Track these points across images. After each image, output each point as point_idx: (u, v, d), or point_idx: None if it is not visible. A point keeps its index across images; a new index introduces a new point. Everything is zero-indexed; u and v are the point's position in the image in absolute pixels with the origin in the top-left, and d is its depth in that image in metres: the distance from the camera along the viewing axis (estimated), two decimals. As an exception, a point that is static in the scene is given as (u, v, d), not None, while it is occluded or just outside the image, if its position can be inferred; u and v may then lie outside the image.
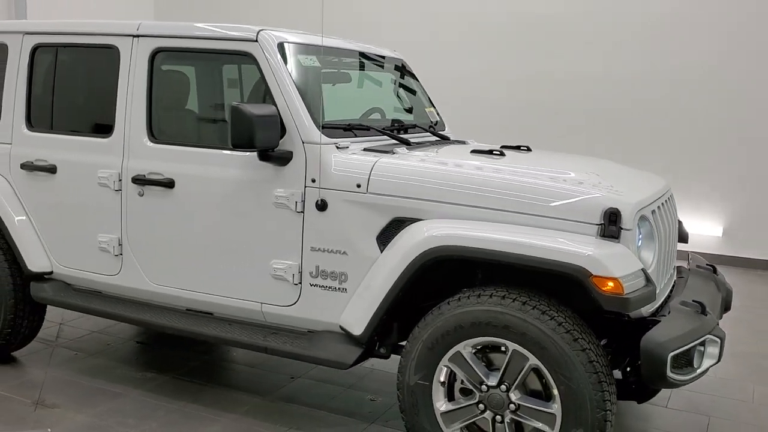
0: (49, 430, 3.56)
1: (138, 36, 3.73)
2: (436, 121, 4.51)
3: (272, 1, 9.74)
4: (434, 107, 4.63)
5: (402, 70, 4.56)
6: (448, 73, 8.40)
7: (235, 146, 3.28)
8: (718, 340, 2.98)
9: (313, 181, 3.34)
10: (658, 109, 7.75)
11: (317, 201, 3.33)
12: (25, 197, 4.08)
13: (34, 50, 4.04)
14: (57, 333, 4.89)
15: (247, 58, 3.48)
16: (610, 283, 2.73)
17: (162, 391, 4.04)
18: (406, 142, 3.71)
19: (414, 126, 4.18)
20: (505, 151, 3.69)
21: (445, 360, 3.02)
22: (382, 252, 3.23)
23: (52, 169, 3.96)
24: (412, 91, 4.53)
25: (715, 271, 3.80)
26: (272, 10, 9.70)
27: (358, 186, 3.27)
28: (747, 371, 4.57)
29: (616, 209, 2.90)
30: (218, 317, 3.69)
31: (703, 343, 2.94)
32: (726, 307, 3.64)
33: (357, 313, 3.24)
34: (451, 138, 4.34)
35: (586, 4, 7.98)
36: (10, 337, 4.23)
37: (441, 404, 3.07)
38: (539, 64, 8.21)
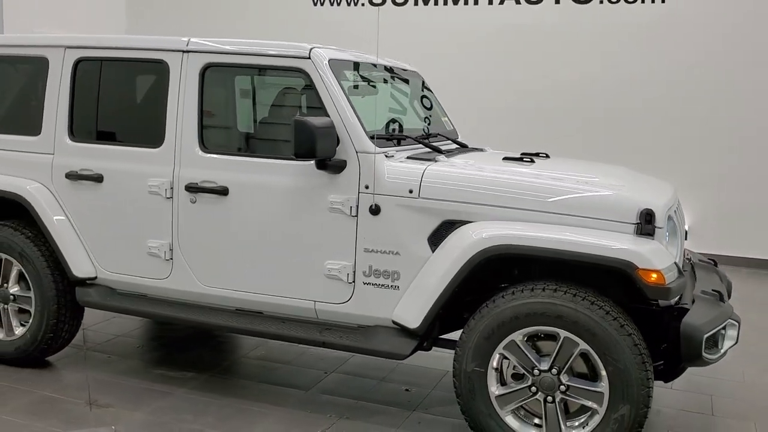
0: (113, 427, 3.73)
1: (188, 51, 3.94)
2: (452, 130, 4.84)
3: (244, 10, 9.89)
4: (447, 116, 4.96)
5: (419, 81, 4.87)
6: (448, 82, 8.72)
7: (298, 156, 3.52)
8: (736, 324, 3.40)
9: (367, 187, 3.62)
10: (638, 113, 8.22)
11: (371, 206, 3.61)
12: (69, 205, 4.22)
13: (77, 63, 4.19)
14: (83, 338, 5.01)
15: (299, 73, 3.74)
16: (654, 275, 3.10)
17: (206, 388, 4.24)
18: (438, 150, 4.02)
19: (437, 135, 4.49)
20: (532, 158, 4.04)
21: (500, 348, 3.34)
22: (433, 252, 3.53)
23: (98, 178, 4.12)
24: (428, 102, 4.84)
25: (715, 264, 4.23)
26: (243, 19, 9.84)
27: (410, 191, 3.56)
28: (735, 355, 5.02)
29: (651, 209, 3.28)
30: (268, 316, 3.92)
31: (725, 327, 3.34)
32: (728, 296, 4.07)
33: (413, 308, 3.53)
34: (469, 146, 4.67)
35: (579, 14, 8.39)
36: (51, 341, 4.35)
37: (495, 388, 3.39)
38: (533, 72, 8.55)
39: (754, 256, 7.87)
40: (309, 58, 3.71)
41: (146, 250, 4.05)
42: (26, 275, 4.30)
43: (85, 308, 4.42)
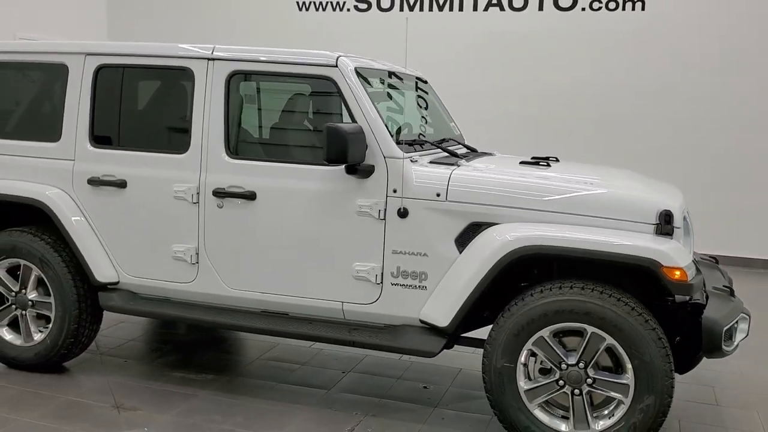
0: (145, 429, 3.78)
1: (213, 59, 4.01)
2: (458, 135, 4.98)
3: (229, 14, 9.93)
4: (454, 122, 5.10)
5: (428, 88, 5.00)
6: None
7: (329, 161, 3.63)
8: (747, 318, 3.60)
9: (395, 191, 3.74)
10: (625, 117, 8.49)
11: (399, 209, 3.73)
12: (91, 211, 4.25)
13: (98, 70, 4.23)
14: (95, 343, 5.02)
15: (326, 81, 3.85)
16: (678, 273, 3.28)
17: (229, 390, 4.31)
18: (455, 155, 4.17)
19: (449, 139, 4.63)
20: (548, 162, 4.20)
21: (528, 344, 3.50)
22: (460, 253, 3.67)
23: (121, 184, 4.16)
24: (437, 107, 4.98)
25: (716, 262, 4.45)
26: (227, 22, 9.88)
27: (438, 195, 3.69)
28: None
29: (670, 210, 3.47)
30: (294, 317, 4.01)
31: (737, 321, 3.54)
32: (732, 292, 4.29)
33: (442, 307, 3.66)
34: (478, 150, 4.82)
35: (562, 21, 8.62)
36: (72, 346, 4.38)
37: (523, 383, 3.54)
38: (519, 77, 8.76)
39: (735, 255, 8.20)
40: (336, 66, 3.82)
41: (171, 254, 4.11)
42: (46, 281, 4.32)
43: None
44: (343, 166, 3.73)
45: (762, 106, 8.09)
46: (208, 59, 4.02)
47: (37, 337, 4.41)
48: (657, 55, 8.36)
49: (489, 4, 8.89)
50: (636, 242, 3.36)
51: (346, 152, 3.58)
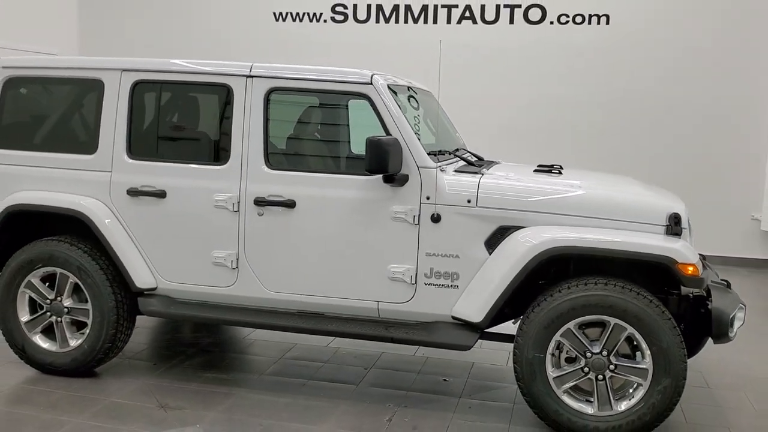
0: (197, 425, 4.01)
1: (251, 77, 4.26)
2: (462, 144, 5.34)
3: (206, 24, 10.09)
4: (458, 132, 5.46)
5: (434, 100, 5.35)
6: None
7: (370, 171, 3.93)
8: (744, 308, 4.06)
9: (428, 198, 4.07)
10: (597, 126, 9.02)
11: (433, 215, 4.06)
12: (129, 220, 4.44)
13: (134, 86, 4.43)
14: (119, 347, 5.19)
15: (361, 97, 4.15)
16: (690, 268, 3.71)
17: (263, 388, 4.56)
18: (472, 163, 4.53)
19: (460, 149, 4.98)
20: (560, 170, 4.59)
21: (557, 336, 3.87)
22: (490, 254, 4.02)
23: (161, 194, 4.37)
24: (443, 119, 5.33)
25: (704, 258, 4.92)
26: (204, 32, 10.04)
27: (468, 201, 4.04)
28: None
29: (678, 213, 3.90)
30: (330, 316, 4.29)
31: (737, 310, 3.99)
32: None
33: (475, 304, 4.00)
34: (485, 159, 5.18)
35: (532, 34, 9.09)
36: (109, 351, 4.55)
37: (552, 371, 3.91)
38: (491, 89, 9.19)
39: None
40: (371, 83, 4.13)
41: (211, 260, 4.33)
42: (84, 288, 4.47)
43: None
44: (381, 175, 4.03)
45: (721, 111, 8.73)
46: (247, 77, 4.27)
47: (74, 342, 4.56)
48: (621, 65, 8.92)
49: (462, 17, 9.30)
50: (653, 242, 3.77)
51: (386, 163, 3.89)
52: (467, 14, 9.30)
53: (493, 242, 4.03)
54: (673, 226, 3.88)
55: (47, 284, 4.60)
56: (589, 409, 3.88)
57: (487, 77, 9.24)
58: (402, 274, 4.12)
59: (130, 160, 4.44)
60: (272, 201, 4.23)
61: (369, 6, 9.54)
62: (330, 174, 4.23)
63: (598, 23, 8.93)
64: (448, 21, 9.35)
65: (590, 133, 9.04)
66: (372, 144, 3.87)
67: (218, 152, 4.34)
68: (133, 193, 4.41)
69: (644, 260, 3.78)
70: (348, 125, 4.45)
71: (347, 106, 4.37)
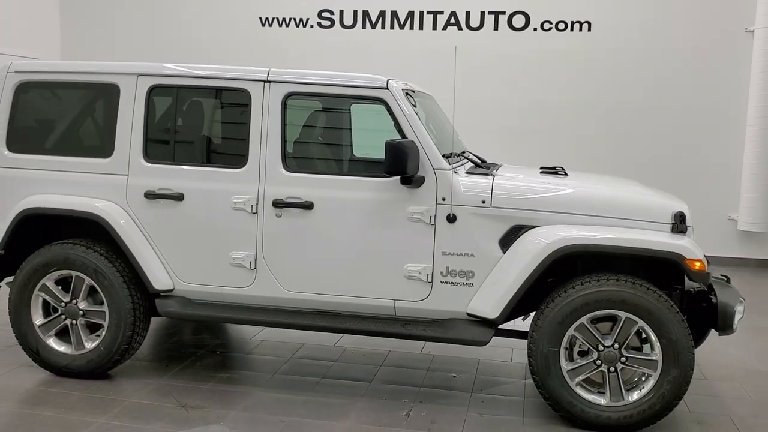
0: (222, 423, 4.08)
1: (269, 81, 4.36)
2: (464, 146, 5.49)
3: (191, 28, 10.11)
4: (459, 136, 5.61)
5: (435, 104, 5.49)
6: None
7: (389, 173, 4.06)
8: (744, 301, 4.27)
9: (444, 199, 4.21)
10: (577, 129, 9.27)
11: (449, 215, 4.20)
12: (146, 223, 4.49)
13: (151, 90, 4.49)
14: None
15: (378, 102, 4.27)
16: (698, 264, 3.91)
17: (279, 386, 4.64)
18: (479, 165, 4.68)
19: (465, 151, 5.13)
20: (566, 171, 4.76)
21: (571, 330, 4.03)
22: (504, 253, 4.17)
23: (178, 197, 4.43)
24: (446, 122, 5.48)
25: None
26: (189, 37, 10.07)
27: (483, 202, 4.19)
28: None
29: (683, 212, 4.10)
30: (346, 315, 4.40)
31: (737, 304, 4.20)
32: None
33: (490, 301, 4.15)
34: (487, 161, 5.34)
35: (516, 40, 9.31)
36: (125, 353, 4.60)
37: (565, 364, 4.07)
38: (476, 93, 9.34)
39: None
40: (387, 88, 4.26)
41: (229, 261, 4.41)
42: (100, 291, 4.51)
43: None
44: (398, 177, 4.16)
45: (699, 116, 9.04)
46: (264, 81, 4.37)
47: (90, 345, 4.60)
48: (601, 71, 9.19)
49: (448, 24, 9.48)
50: (662, 239, 3.96)
51: (405, 165, 4.02)
52: (452, 20, 9.48)
53: (506, 241, 4.18)
54: (679, 224, 4.07)
55: (60, 287, 4.63)
56: (602, 400, 4.05)
57: (471, 81, 9.41)
58: (418, 272, 4.24)
59: (147, 164, 4.49)
60: (290, 203, 4.32)
61: (356, 12, 9.67)
62: (347, 176, 4.34)
63: (580, 30, 9.18)
64: (434, 27, 9.52)
65: (570, 136, 9.28)
66: (391, 147, 4.00)
67: (236, 155, 4.42)
68: (151, 195, 4.47)
69: (654, 257, 3.96)
70: (351, 128, 4.57)
71: (350, 110, 4.48)
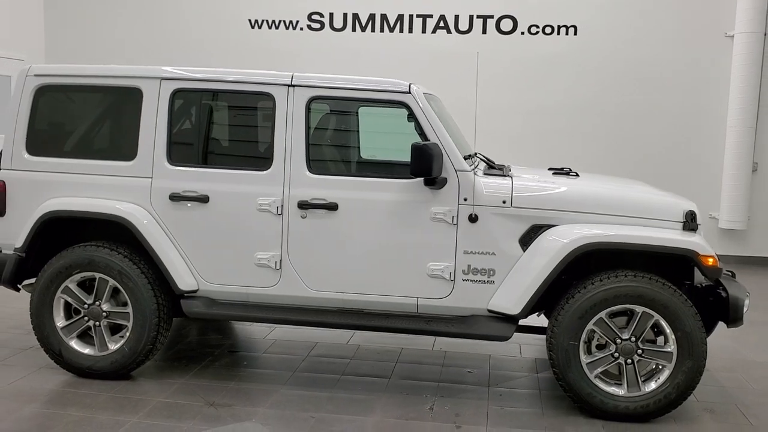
0: (253, 420, 4.17)
1: (293, 86, 4.46)
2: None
3: (181, 30, 10.13)
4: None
5: (443, 106, 5.64)
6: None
7: (415, 175, 4.19)
8: (749, 294, 4.50)
9: (465, 199, 4.35)
10: (563, 131, 9.49)
11: (470, 215, 4.35)
12: (171, 224, 4.55)
13: (174, 94, 4.56)
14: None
15: (400, 105, 4.40)
16: (711, 260, 4.12)
17: (302, 384, 4.74)
18: (492, 166, 4.84)
19: (476, 153, 5.28)
20: (577, 173, 4.93)
21: (590, 325, 4.21)
22: (524, 251, 4.33)
23: (204, 199, 4.51)
24: (454, 125, 5.62)
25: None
26: (179, 39, 10.09)
27: (504, 202, 4.35)
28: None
29: (694, 210, 4.30)
30: (369, 312, 4.52)
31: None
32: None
33: (512, 297, 4.30)
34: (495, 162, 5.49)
35: (503, 43, 9.50)
36: (149, 353, 4.65)
37: (584, 357, 4.25)
38: (471, 95, 9.50)
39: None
40: (409, 92, 4.39)
41: (254, 261, 4.50)
42: (125, 292, 4.56)
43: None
44: (422, 178, 4.29)
45: (682, 118, 9.34)
46: (288, 86, 4.47)
47: (113, 346, 4.64)
48: (587, 74, 9.44)
49: (437, 27, 9.64)
50: (676, 236, 4.17)
51: (431, 167, 4.16)
52: (441, 24, 9.64)
53: (526, 240, 4.34)
54: (690, 222, 4.28)
55: (81, 289, 4.67)
56: (619, 391, 4.23)
57: (459, 84, 9.57)
58: (441, 271, 4.38)
59: (171, 167, 4.56)
60: (315, 204, 4.43)
61: (345, 15, 9.78)
62: (371, 178, 4.46)
63: (567, 34, 9.42)
64: (423, 30, 9.68)
65: (556, 137, 9.52)
66: (418, 149, 4.13)
67: (261, 158, 4.52)
68: (176, 198, 4.54)
69: (670, 253, 4.16)
70: (358, 131, 4.69)
71: (357, 113, 4.61)
